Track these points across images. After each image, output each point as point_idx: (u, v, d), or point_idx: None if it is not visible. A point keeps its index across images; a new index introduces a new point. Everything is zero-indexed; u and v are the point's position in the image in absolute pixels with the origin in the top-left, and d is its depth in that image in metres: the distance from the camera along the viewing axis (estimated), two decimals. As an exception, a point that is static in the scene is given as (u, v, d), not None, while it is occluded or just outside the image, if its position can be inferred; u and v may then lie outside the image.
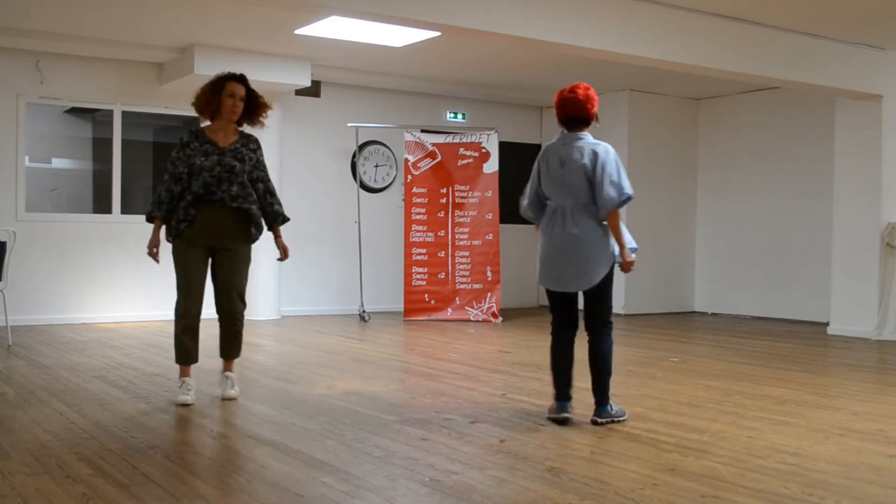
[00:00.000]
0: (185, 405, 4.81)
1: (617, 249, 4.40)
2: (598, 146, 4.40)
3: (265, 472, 3.51)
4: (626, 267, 4.41)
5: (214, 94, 4.88)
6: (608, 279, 4.42)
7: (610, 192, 4.30)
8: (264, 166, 5.04)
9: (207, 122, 5.01)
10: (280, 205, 5.08)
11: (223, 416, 4.65)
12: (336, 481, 3.35)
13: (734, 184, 10.82)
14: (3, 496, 3.11)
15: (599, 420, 4.42)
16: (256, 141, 5.04)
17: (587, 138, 4.45)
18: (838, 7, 6.99)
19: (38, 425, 4.26)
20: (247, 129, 5.11)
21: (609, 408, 4.46)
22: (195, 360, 4.95)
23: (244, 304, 5.04)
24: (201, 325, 4.94)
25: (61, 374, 5.78)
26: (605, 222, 4.40)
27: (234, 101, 4.87)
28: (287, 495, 3.17)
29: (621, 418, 4.48)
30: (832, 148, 8.95)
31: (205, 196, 4.78)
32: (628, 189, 4.34)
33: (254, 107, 4.97)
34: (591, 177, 4.34)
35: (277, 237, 5.10)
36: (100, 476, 3.38)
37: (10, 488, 3.21)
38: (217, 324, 5.06)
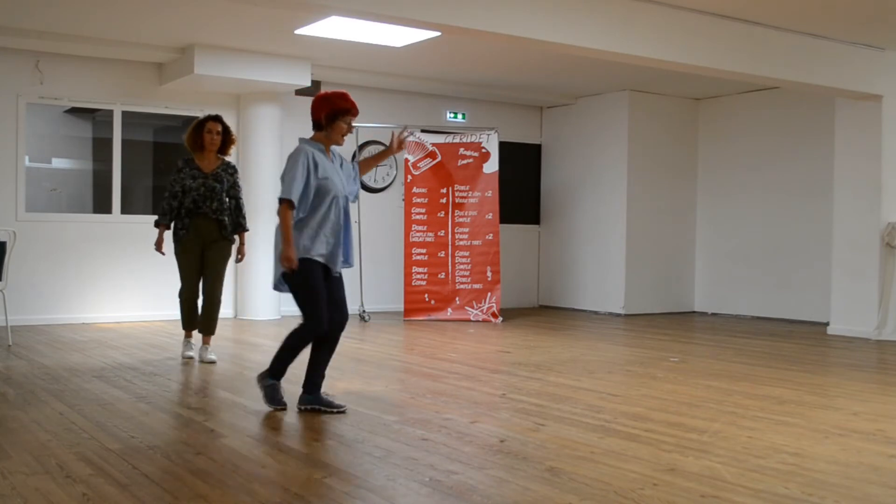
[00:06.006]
0: (188, 359, 6.40)
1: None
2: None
3: (265, 472, 3.51)
4: (284, 263, 4.51)
5: (198, 132, 6.31)
6: (288, 278, 4.62)
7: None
8: (239, 187, 6.47)
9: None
10: (244, 218, 6.49)
11: (223, 416, 4.65)
12: (336, 481, 3.36)
13: (734, 184, 10.81)
14: (3, 496, 3.11)
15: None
16: (234, 167, 6.49)
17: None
18: (838, 7, 6.99)
19: (38, 425, 4.26)
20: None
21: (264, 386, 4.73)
22: (195, 327, 6.47)
23: (221, 288, 6.45)
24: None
25: (61, 374, 5.78)
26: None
27: (212, 135, 6.30)
28: (287, 495, 3.17)
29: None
30: (832, 148, 8.95)
31: (194, 209, 6.25)
32: (281, 191, 4.47)
33: (225, 140, 6.37)
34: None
35: (241, 243, 6.52)
36: (100, 476, 3.38)
37: (10, 488, 3.21)
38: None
